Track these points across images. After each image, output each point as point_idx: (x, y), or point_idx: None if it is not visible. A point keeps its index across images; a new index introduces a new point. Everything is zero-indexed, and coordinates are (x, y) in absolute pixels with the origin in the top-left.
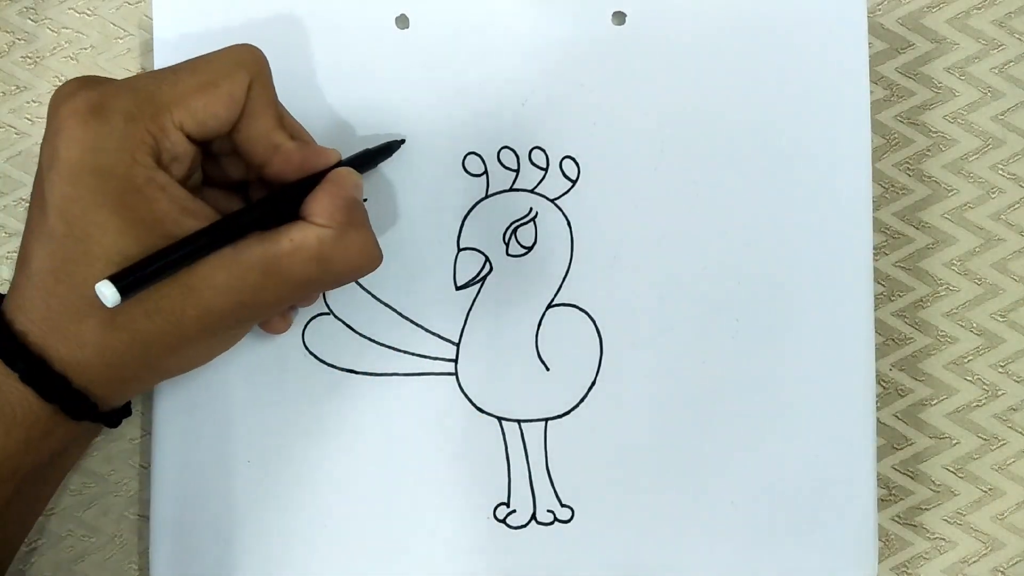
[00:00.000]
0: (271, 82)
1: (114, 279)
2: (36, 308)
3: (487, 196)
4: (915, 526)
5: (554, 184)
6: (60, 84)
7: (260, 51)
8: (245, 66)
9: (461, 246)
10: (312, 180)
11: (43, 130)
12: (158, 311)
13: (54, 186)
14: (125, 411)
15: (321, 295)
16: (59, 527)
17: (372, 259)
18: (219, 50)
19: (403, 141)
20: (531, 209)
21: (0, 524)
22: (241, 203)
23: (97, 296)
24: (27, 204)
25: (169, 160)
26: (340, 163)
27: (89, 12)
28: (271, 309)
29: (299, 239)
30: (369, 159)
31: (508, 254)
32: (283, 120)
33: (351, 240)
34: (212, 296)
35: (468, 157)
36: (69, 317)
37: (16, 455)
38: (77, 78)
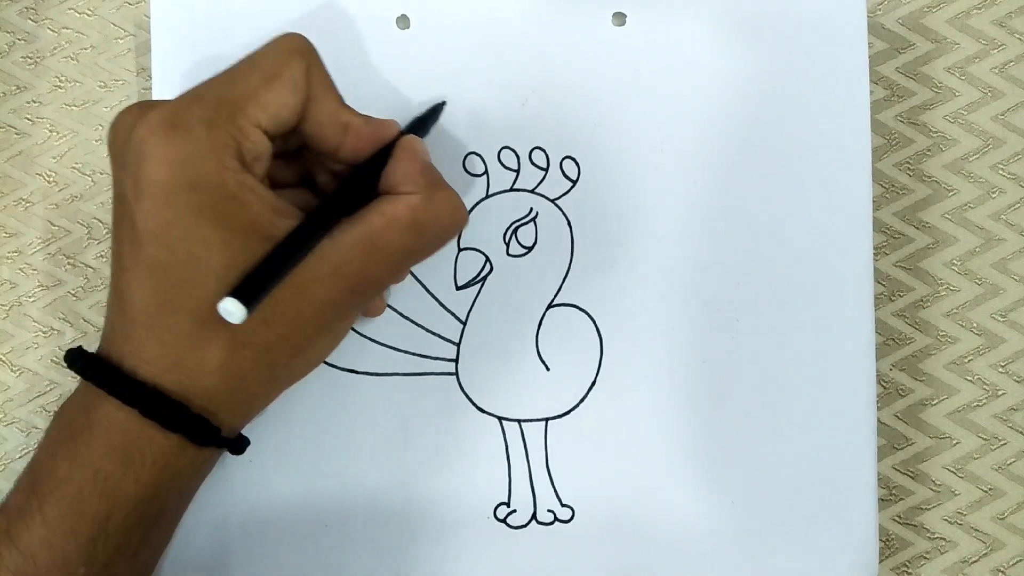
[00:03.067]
0: (324, 65)
1: (236, 294)
2: (147, 348)
3: (487, 196)
4: (915, 526)
5: (554, 184)
6: (114, 120)
7: (308, 40)
8: (299, 52)
9: (461, 246)
10: (379, 157)
11: (43, 128)
12: (276, 317)
13: (148, 214)
14: (247, 440)
15: None
16: None
17: (461, 215)
18: (267, 43)
19: (444, 103)
20: (531, 209)
21: (134, 563)
22: (307, 196)
23: (215, 317)
24: (27, 204)
25: (251, 160)
26: (401, 133)
27: (89, 12)
28: (377, 287)
29: (390, 211)
30: (422, 124)
31: (508, 254)
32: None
33: (439, 200)
34: (323, 289)
35: (468, 157)
36: (188, 347)
37: (148, 499)
38: (131, 105)
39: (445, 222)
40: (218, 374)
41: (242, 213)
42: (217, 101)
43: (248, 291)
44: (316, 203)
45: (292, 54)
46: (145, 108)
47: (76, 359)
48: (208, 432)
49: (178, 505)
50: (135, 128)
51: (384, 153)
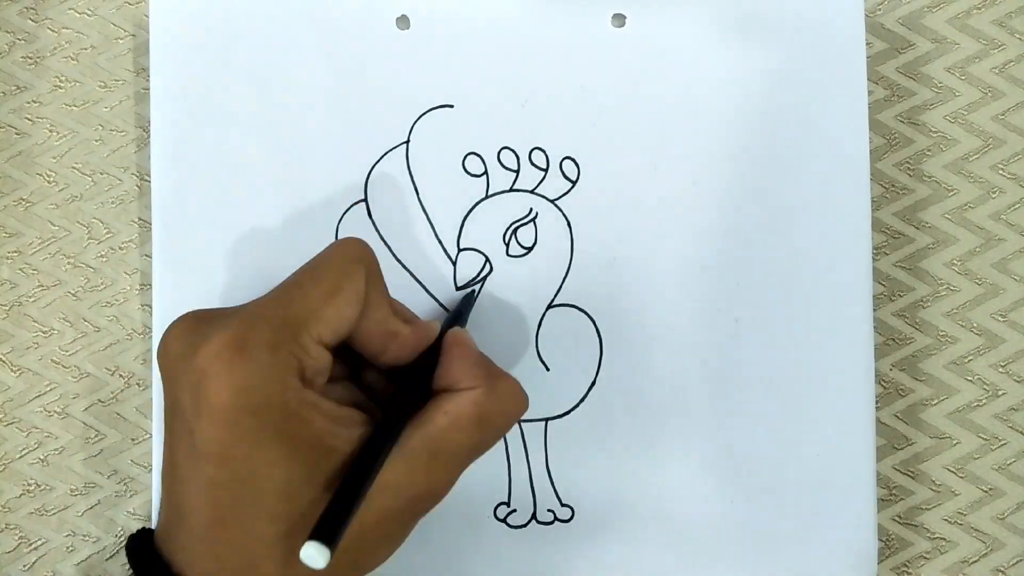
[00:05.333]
0: (381, 272)
1: (317, 536)
2: (202, 561)
3: (487, 196)
4: (915, 526)
5: (554, 185)
6: (167, 332)
7: (367, 244)
8: (361, 262)
9: (461, 246)
10: (427, 355)
11: (43, 128)
12: None
13: (209, 436)
14: None
15: None
16: (60, 528)
17: (523, 402)
18: (330, 248)
19: (475, 293)
20: (531, 209)
21: None
22: (353, 390)
23: (272, 533)
24: (27, 204)
25: (312, 375)
26: (443, 328)
27: (89, 12)
28: (444, 491)
29: (454, 410)
30: (459, 316)
31: (508, 254)
32: (393, 305)
33: (501, 391)
34: (387, 499)
35: (468, 157)
36: (244, 564)
37: None
38: (184, 317)
39: (510, 412)
40: None
41: (303, 429)
42: (280, 322)
43: (328, 531)
44: (363, 398)
45: (354, 264)
46: (203, 324)
47: (137, 549)
48: None
49: None
50: (198, 351)
51: (431, 350)
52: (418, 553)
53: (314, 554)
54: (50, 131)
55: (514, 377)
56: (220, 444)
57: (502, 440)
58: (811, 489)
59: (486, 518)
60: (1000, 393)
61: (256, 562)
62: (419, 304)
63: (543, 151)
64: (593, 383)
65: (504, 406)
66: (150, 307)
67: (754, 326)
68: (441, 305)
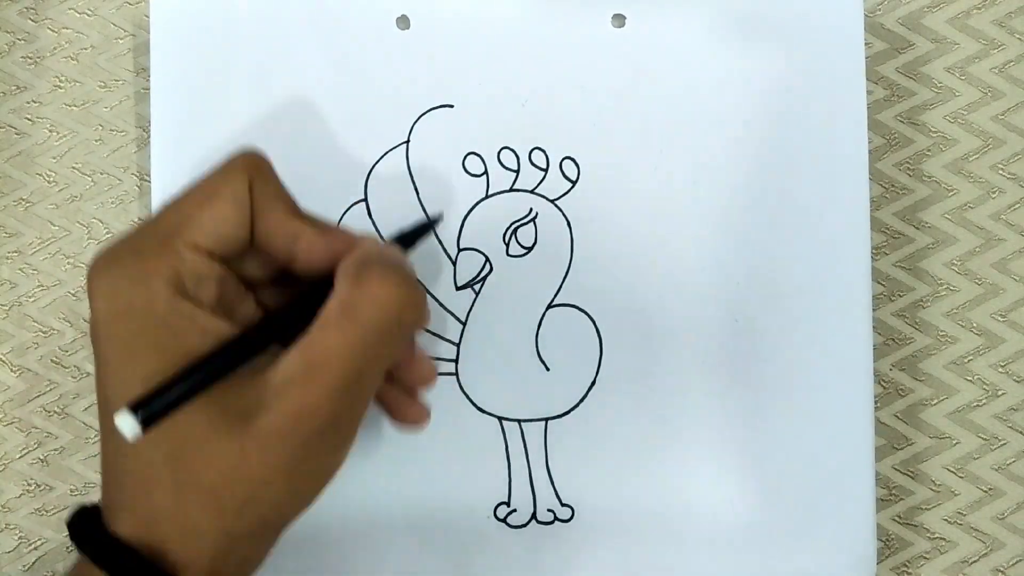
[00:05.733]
0: (275, 176)
1: (134, 408)
2: (111, 493)
3: (487, 196)
4: (915, 526)
5: (554, 185)
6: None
7: (257, 150)
8: (242, 167)
9: (461, 246)
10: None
11: (43, 128)
12: (207, 467)
13: (96, 351)
14: None
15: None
16: (60, 528)
17: (404, 289)
18: (215, 164)
19: (437, 220)
20: (531, 209)
21: None
22: None
23: (161, 460)
24: (27, 204)
25: (194, 285)
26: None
27: (89, 12)
28: (327, 407)
29: (322, 314)
30: (406, 239)
31: (508, 254)
32: (299, 210)
33: (367, 277)
34: (271, 421)
35: (468, 157)
36: (141, 491)
37: None
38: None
39: (380, 297)
40: (210, 537)
41: (172, 340)
42: (152, 230)
43: (146, 406)
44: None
45: (234, 170)
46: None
47: (73, 519)
48: None
49: None
50: (89, 270)
51: None
52: (418, 553)
53: (121, 425)
54: (50, 131)
55: (400, 267)
56: (102, 358)
57: (502, 440)
58: (811, 489)
59: (486, 518)
60: (1000, 393)
61: (149, 488)
62: None
63: (543, 151)
64: (593, 383)
65: (374, 295)
66: None
67: (754, 326)
68: (441, 305)
